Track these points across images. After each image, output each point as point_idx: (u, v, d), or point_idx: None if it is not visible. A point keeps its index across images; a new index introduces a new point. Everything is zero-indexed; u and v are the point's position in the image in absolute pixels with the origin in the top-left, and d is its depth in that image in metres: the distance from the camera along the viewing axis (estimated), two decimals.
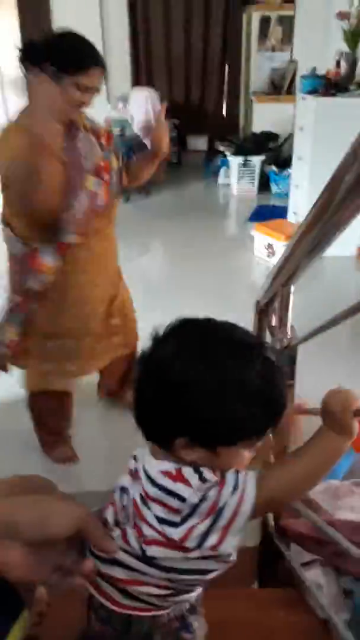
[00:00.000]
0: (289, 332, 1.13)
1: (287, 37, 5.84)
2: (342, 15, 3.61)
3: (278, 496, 0.70)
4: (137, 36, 6.44)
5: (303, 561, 1.26)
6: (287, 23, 5.76)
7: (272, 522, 1.36)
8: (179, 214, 5.31)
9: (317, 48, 4.76)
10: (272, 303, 1.19)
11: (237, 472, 0.69)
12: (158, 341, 0.70)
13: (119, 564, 0.73)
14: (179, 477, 0.67)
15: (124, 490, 0.76)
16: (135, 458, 0.77)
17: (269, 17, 5.79)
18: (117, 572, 0.74)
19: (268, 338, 1.23)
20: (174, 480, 0.68)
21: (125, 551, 0.73)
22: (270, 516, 1.36)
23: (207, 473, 0.68)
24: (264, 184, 5.68)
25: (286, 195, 4.71)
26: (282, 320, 1.13)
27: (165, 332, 0.70)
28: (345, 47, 3.75)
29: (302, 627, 1.16)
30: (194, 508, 0.66)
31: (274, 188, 5.59)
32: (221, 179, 6.09)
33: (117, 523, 0.75)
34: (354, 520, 1.29)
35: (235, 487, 0.67)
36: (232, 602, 1.22)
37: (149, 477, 0.70)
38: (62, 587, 0.61)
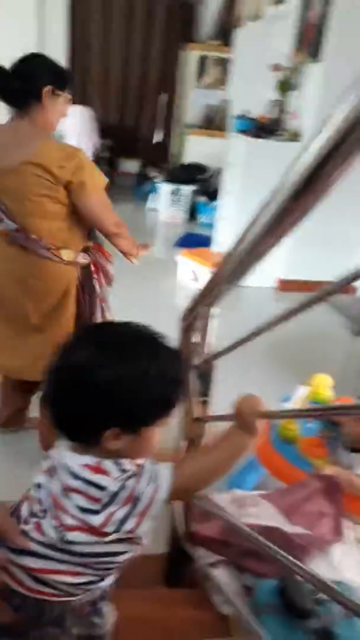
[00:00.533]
0: (209, 349, 1.24)
1: (223, 78, 6.21)
2: (276, 68, 3.93)
3: (189, 485, 0.79)
4: (74, 58, 6.53)
5: (209, 562, 1.35)
6: (224, 64, 6.13)
7: (181, 529, 1.44)
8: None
9: (250, 92, 5.10)
10: (194, 323, 1.30)
11: (153, 463, 0.78)
12: (68, 350, 0.77)
13: (32, 554, 0.79)
14: (99, 470, 0.75)
15: (39, 486, 0.82)
16: (49, 457, 0.83)
17: (207, 57, 6.12)
18: (30, 562, 0.79)
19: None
20: (95, 472, 0.75)
21: (40, 542, 0.78)
22: (181, 523, 1.44)
23: (126, 464, 0.76)
24: (192, 213, 5.92)
25: (212, 225, 4.94)
26: (203, 339, 1.23)
27: (72, 341, 0.78)
28: (275, 95, 4.07)
29: (206, 623, 1.25)
30: (113, 496, 0.74)
31: (201, 218, 5.83)
32: (150, 204, 6.27)
33: (32, 515, 0.81)
34: (259, 524, 1.41)
35: (151, 477, 0.75)
36: (140, 602, 1.28)
37: (70, 472, 0.76)
38: None
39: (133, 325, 0.81)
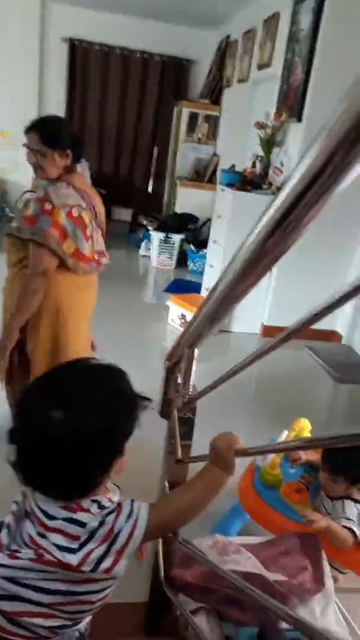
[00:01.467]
0: (191, 389, 1.27)
1: (212, 133, 6.50)
2: (259, 125, 4.15)
3: (167, 521, 0.81)
4: (73, 108, 6.86)
5: (190, 609, 1.33)
6: (213, 121, 6.43)
7: (162, 573, 1.43)
8: (99, 277, 5.47)
9: (237, 148, 5.34)
10: (178, 364, 1.34)
11: (132, 501, 0.79)
12: (24, 414, 0.76)
13: (7, 597, 0.78)
14: (79, 508, 0.76)
15: (8, 527, 0.81)
16: (17, 503, 0.83)
17: (197, 114, 6.43)
18: (5, 605, 0.78)
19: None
20: (74, 512, 0.75)
21: (13, 580, 0.77)
22: (162, 567, 1.43)
23: (104, 501, 0.78)
24: (182, 260, 6.06)
25: (201, 272, 5.07)
26: (186, 379, 1.27)
27: (24, 401, 0.77)
28: (260, 151, 4.28)
29: None
30: (93, 532, 0.74)
31: (190, 265, 5.97)
32: (142, 251, 6.42)
33: (9, 545, 0.81)
34: (239, 571, 1.40)
35: (130, 514, 0.77)
36: None
37: (46, 514, 0.76)
38: None
39: (75, 368, 0.81)
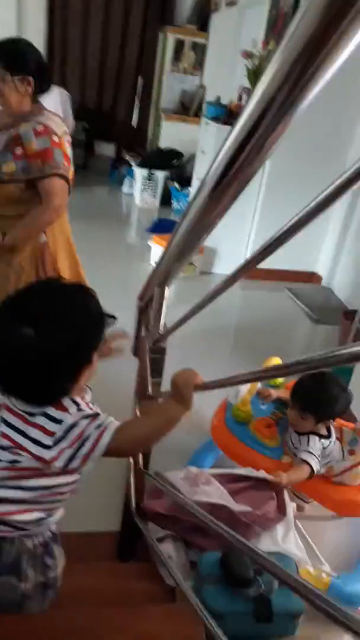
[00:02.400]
0: (162, 328, 1.27)
1: (199, 63, 6.18)
2: (246, 55, 3.93)
3: (123, 446, 0.84)
4: (53, 38, 6.43)
5: (158, 536, 1.39)
6: (200, 49, 6.09)
7: (133, 504, 1.48)
8: (80, 215, 5.32)
9: (224, 79, 5.09)
10: (150, 303, 1.33)
11: (107, 416, 0.84)
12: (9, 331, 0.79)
13: None
14: (60, 407, 0.82)
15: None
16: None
17: (183, 41, 6.08)
18: None
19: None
20: (56, 409, 0.81)
21: None
22: (132, 498, 1.48)
23: (82, 405, 0.84)
24: (166, 199, 5.91)
25: None
26: (156, 317, 1.26)
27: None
28: (247, 83, 4.08)
29: (155, 594, 1.30)
30: (66, 431, 0.80)
31: (174, 204, 5.83)
32: (125, 188, 6.23)
33: None
34: (206, 502, 1.46)
35: (99, 425, 0.81)
36: (94, 575, 1.33)
37: (27, 412, 0.82)
38: None
39: (45, 287, 0.86)
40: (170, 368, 1.39)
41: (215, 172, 0.70)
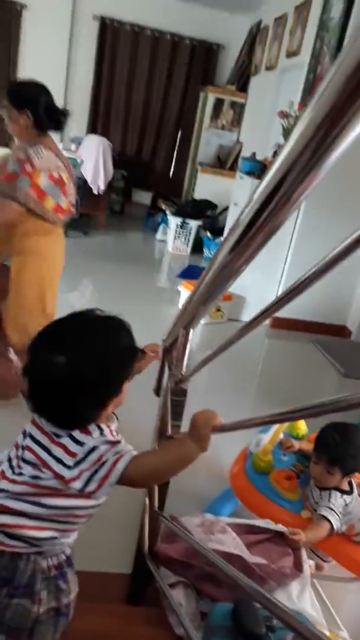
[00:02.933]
0: (184, 369, 1.29)
1: (237, 121, 6.44)
2: (283, 115, 4.10)
3: (139, 472, 0.85)
4: (100, 89, 6.85)
5: (169, 582, 1.36)
6: (239, 108, 6.36)
7: (146, 547, 1.46)
8: (114, 258, 5.51)
9: (260, 136, 5.29)
10: (174, 344, 1.36)
11: (127, 444, 0.87)
12: (34, 353, 0.85)
13: (6, 511, 0.88)
14: (84, 430, 0.85)
15: (27, 435, 0.91)
16: (24, 432, 0.92)
17: (223, 100, 6.37)
18: (4, 519, 0.88)
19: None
20: (80, 432, 0.85)
21: (13, 493, 0.87)
22: (145, 541, 1.46)
23: (106, 431, 0.87)
24: (198, 247, 6.05)
25: None
26: (179, 358, 1.29)
27: (36, 343, 0.86)
28: (282, 141, 4.23)
29: None
30: (87, 454, 0.83)
31: (205, 252, 5.95)
32: (159, 235, 6.42)
33: (11, 459, 0.91)
34: (221, 550, 1.43)
35: (118, 452, 0.84)
36: (101, 617, 1.30)
37: (54, 434, 0.86)
38: None
39: (79, 318, 0.90)
40: (191, 412, 1.40)
41: (242, 222, 0.74)
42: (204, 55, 6.75)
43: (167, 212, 6.25)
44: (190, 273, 5.04)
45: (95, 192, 5.85)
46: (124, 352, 0.88)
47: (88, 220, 6.04)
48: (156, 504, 1.43)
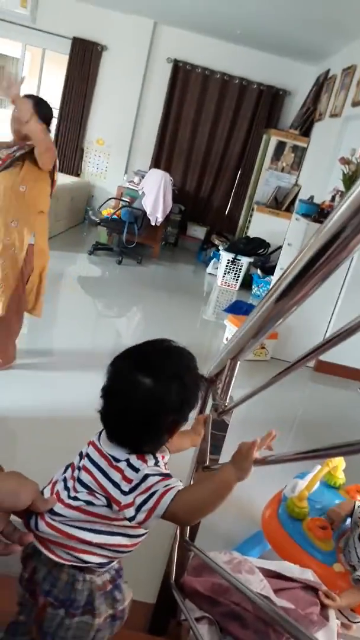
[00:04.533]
0: (228, 400, 1.31)
1: (297, 164, 6.52)
2: (344, 161, 4.14)
3: (183, 505, 0.85)
4: (167, 126, 7.13)
5: (195, 616, 1.34)
6: (300, 152, 6.46)
7: (173, 578, 1.45)
8: (164, 288, 5.62)
9: (319, 180, 5.33)
10: (221, 374, 1.38)
11: (177, 480, 0.88)
12: (114, 375, 0.89)
13: (68, 544, 0.89)
14: (140, 457, 0.87)
15: (85, 456, 0.93)
16: (80, 454, 0.94)
17: (285, 143, 6.49)
18: (62, 540, 0.89)
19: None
20: (137, 458, 0.87)
21: (65, 516, 0.88)
22: (173, 570, 1.45)
23: (161, 462, 0.89)
24: (247, 283, 6.08)
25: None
26: (224, 389, 1.30)
27: (117, 365, 0.90)
28: (342, 187, 4.26)
29: None
30: (142, 480, 0.85)
31: (254, 289, 5.98)
32: (210, 269, 6.51)
33: (67, 480, 0.92)
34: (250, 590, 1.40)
35: (167, 485, 0.85)
36: None
37: (113, 457, 0.88)
38: (3, 553, 0.80)
39: (161, 345, 0.94)
40: (228, 448, 1.40)
41: (299, 262, 0.77)
42: (270, 99, 6.93)
43: (220, 247, 6.34)
44: (237, 308, 5.06)
45: (152, 223, 6.03)
46: (197, 378, 0.93)
47: (143, 250, 6.22)
48: (187, 534, 1.43)
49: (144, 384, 0.85)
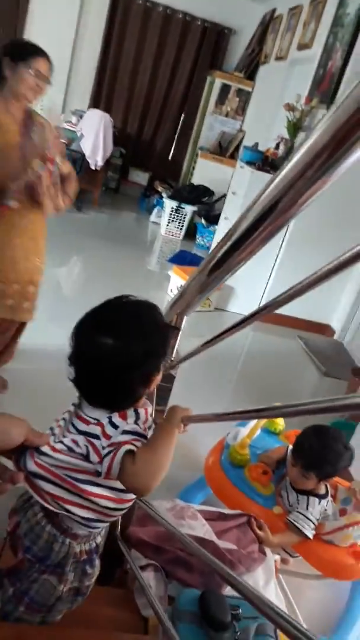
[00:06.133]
0: (174, 355, 1.29)
1: (242, 108, 6.38)
2: (288, 107, 4.07)
3: (140, 468, 0.85)
4: (106, 63, 6.71)
5: (140, 564, 1.37)
6: (244, 96, 6.30)
7: (118, 528, 1.47)
8: (105, 237, 5.46)
9: (264, 126, 5.24)
10: None
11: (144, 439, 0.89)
12: (79, 337, 0.89)
13: (50, 481, 0.91)
14: (122, 415, 0.90)
15: (52, 431, 0.94)
16: (68, 411, 0.95)
17: (230, 86, 6.29)
18: (50, 488, 0.91)
19: None
20: (118, 416, 0.89)
21: (57, 465, 0.90)
22: (118, 523, 1.47)
23: (142, 414, 0.92)
24: (191, 233, 6.01)
25: (208, 248, 5.04)
26: (171, 345, 1.28)
27: (80, 326, 0.89)
28: (286, 134, 4.21)
29: (126, 623, 1.27)
30: (120, 434, 0.87)
31: (198, 239, 5.93)
32: (153, 217, 6.36)
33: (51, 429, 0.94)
34: (193, 535, 1.44)
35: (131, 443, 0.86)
36: None
37: (93, 419, 0.90)
38: None
39: (118, 303, 0.93)
40: (174, 397, 1.40)
41: (249, 216, 0.74)
42: (214, 37, 6.64)
43: (164, 194, 6.19)
44: (181, 258, 5.03)
45: (92, 167, 5.77)
46: (163, 326, 0.94)
47: (83, 195, 5.96)
48: None
49: (105, 344, 0.86)
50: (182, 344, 1.31)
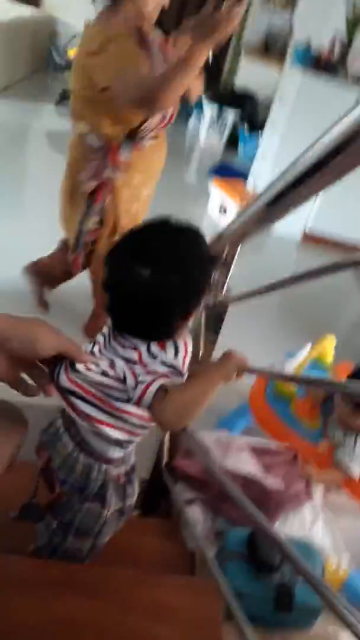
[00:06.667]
0: (224, 291, 1.18)
1: (292, 1, 5.67)
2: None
3: (171, 407, 0.79)
4: None
5: (186, 499, 1.37)
6: None
7: (165, 459, 1.46)
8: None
9: (318, 22, 4.66)
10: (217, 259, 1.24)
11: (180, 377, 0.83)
12: (115, 266, 0.82)
13: (83, 399, 0.86)
14: (160, 344, 0.84)
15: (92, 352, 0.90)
16: (103, 334, 0.91)
17: None
18: (82, 406, 0.87)
19: None
20: (157, 345, 0.84)
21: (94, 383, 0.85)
22: (165, 454, 1.45)
23: (181, 347, 0.85)
24: (232, 143, 5.62)
25: (251, 160, 4.70)
26: (221, 279, 1.17)
27: (116, 254, 0.82)
28: (343, 31, 3.73)
29: (172, 556, 1.27)
30: (157, 364, 0.82)
31: (240, 150, 5.55)
32: (191, 125, 5.95)
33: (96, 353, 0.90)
34: (239, 475, 1.42)
35: (170, 374, 0.81)
36: None
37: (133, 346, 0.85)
38: (26, 394, 0.80)
39: (157, 228, 0.84)
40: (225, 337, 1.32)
41: (324, 149, 0.60)
42: None
43: (203, 97, 5.73)
44: (223, 171, 4.72)
45: None
46: (206, 259, 0.86)
47: None
48: None
49: (141, 275, 0.79)
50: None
